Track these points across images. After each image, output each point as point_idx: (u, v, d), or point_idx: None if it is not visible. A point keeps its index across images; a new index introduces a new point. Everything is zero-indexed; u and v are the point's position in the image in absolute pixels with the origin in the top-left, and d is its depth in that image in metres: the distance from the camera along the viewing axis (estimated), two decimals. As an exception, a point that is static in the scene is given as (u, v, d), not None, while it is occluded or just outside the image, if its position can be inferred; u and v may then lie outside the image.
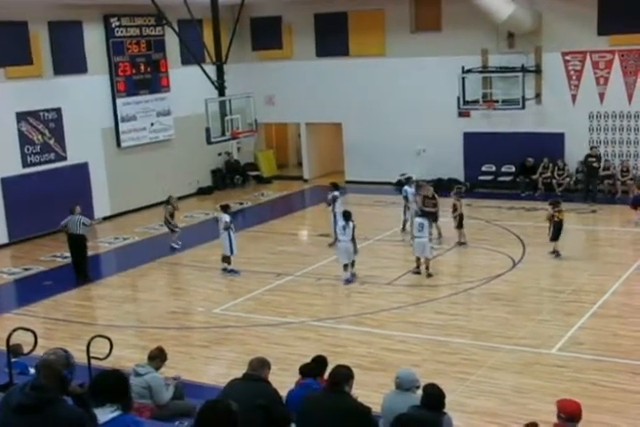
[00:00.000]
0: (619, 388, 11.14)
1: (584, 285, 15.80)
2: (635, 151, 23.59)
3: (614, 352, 12.38)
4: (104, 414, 5.45)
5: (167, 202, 20.25)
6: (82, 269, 17.55)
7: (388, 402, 7.81)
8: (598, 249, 18.59)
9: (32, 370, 9.52)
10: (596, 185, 23.06)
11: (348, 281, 16.37)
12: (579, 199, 22.85)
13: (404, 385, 7.81)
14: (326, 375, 7.82)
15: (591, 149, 23.30)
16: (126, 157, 24.16)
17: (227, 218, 17.57)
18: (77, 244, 17.52)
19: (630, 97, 23.24)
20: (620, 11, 22.66)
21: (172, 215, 19.98)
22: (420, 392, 7.46)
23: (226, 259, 17.60)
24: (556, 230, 17.53)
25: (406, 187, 20.11)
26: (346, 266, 16.50)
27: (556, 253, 17.62)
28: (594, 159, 22.99)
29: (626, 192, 22.96)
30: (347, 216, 16.60)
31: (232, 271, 17.45)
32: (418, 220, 16.82)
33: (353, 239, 16.37)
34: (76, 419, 5.00)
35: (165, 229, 22.03)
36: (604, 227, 20.61)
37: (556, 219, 17.51)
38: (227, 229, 17.40)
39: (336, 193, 19.36)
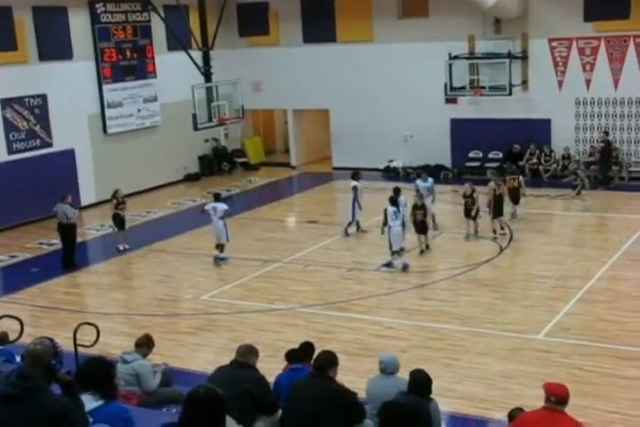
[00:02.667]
0: (604, 373, 11.20)
1: (570, 270, 15.85)
2: (621, 137, 23.62)
3: (600, 337, 12.44)
4: (89, 401, 5.44)
5: (113, 196, 18.78)
6: (68, 257, 17.51)
7: (374, 387, 7.83)
8: (584, 235, 18.65)
9: (18, 358, 9.50)
10: (608, 170, 22.89)
11: (405, 267, 16.25)
12: (565, 185, 22.87)
13: (388, 369, 7.84)
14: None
15: (604, 133, 23.14)
16: (113, 143, 24.04)
17: (225, 206, 17.41)
18: (64, 231, 17.49)
19: (616, 83, 23.27)
20: (607, -3, 22.70)
21: (117, 212, 18.56)
22: (405, 377, 7.47)
23: (220, 247, 17.43)
24: (497, 205, 18.05)
25: (418, 181, 19.22)
26: (398, 251, 16.33)
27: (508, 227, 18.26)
28: (603, 144, 22.79)
29: (612, 178, 23.02)
30: (394, 202, 16.44)
31: (222, 259, 17.38)
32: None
33: (404, 224, 16.42)
34: (61, 408, 4.98)
35: (152, 216, 22.04)
36: (591, 213, 20.65)
37: (496, 193, 18.05)
38: (223, 217, 17.24)
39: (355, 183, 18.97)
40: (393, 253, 16.34)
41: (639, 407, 10.16)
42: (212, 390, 5.08)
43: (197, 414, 4.99)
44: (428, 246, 17.43)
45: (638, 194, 22.04)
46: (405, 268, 16.22)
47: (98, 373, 5.65)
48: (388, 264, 16.36)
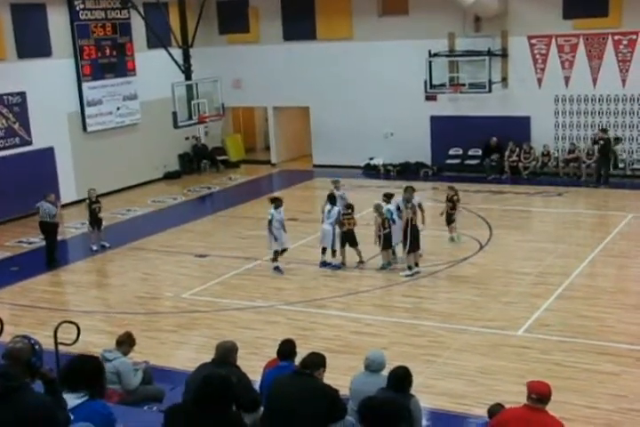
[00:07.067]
0: (583, 368, 11.31)
1: (550, 267, 15.97)
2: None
3: (579, 333, 12.56)
4: (71, 399, 5.46)
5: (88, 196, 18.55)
6: (50, 255, 17.45)
7: (358, 383, 7.86)
8: (564, 232, 18.77)
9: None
10: (608, 167, 22.89)
11: (323, 264, 16.42)
12: (545, 182, 23.13)
13: (372, 367, 7.87)
14: (296, 359, 7.88)
15: (601, 131, 23.14)
16: (93, 141, 23.95)
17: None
18: (45, 230, 17.45)
19: (595, 81, 23.42)
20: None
21: (92, 212, 18.33)
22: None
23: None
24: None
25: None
26: (324, 250, 16.45)
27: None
28: (602, 142, 22.77)
29: (590, 175, 23.20)
30: (332, 200, 16.48)
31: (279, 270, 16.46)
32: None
33: (333, 224, 16.30)
34: (43, 406, 4.99)
35: (133, 214, 22.01)
36: (569, 210, 20.81)
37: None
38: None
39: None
40: (323, 249, 16.48)
41: (616, 402, 10.28)
42: (227, 377, 5.67)
43: (209, 396, 5.50)
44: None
45: (615, 191, 22.24)
46: (324, 266, 16.38)
47: (90, 371, 5.67)
48: (325, 264, 16.49)
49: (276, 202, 16.34)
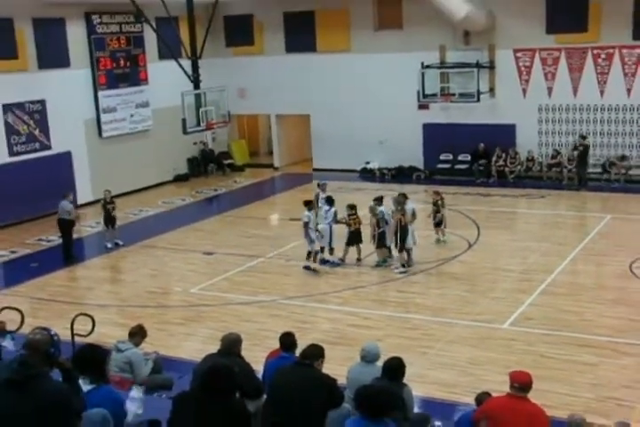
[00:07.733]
0: (565, 359, 11.29)
1: (534, 264, 15.94)
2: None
3: (561, 326, 12.53)
4: (84, 385, 5.49)
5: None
6: (66, 251, 17.42)
7: (354, 373, 7.83)
8: (547, 232, 18.74)
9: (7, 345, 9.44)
10: (584, 172, 22.86)
11: (323, 262, 16.26)
12: (529, 185, 23.11)
13: (367, 357, 7.84)
14: (296, 350, 7.85)
15: (581, 137, 23.01)
16: (107, 146, 23.93)
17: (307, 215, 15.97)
18: (62, 228, 17.42)
19: (575, 91, 23.41)
20: (566, 10, 22.83)
21: (107, 212, 18.27)
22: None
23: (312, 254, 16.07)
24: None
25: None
26: (323, 248, 16.33)
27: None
28: (582, 148, 22.77)
29: (571, 179, 23.17)
30: (329, 202, 16.39)
31: (311, 270, 16.02)
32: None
33: (330, 224, 16.18)
34: (60, 393, 4.99)
35: (144, 214, 21.98)
36: (552, 211, 20.78)
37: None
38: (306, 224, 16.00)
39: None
40: (322, 249, 16.33)
41: (595, 390, 10.27)
42: (229, 367, 5.76)
43: (213, 384, 5.57)
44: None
45: (594, 194, 22.21)
46: (323, 263, 16.17)
47: (90, 358, 5.71)
48: (324, 261, 16.36)
49: (310, 204, 16.15)
